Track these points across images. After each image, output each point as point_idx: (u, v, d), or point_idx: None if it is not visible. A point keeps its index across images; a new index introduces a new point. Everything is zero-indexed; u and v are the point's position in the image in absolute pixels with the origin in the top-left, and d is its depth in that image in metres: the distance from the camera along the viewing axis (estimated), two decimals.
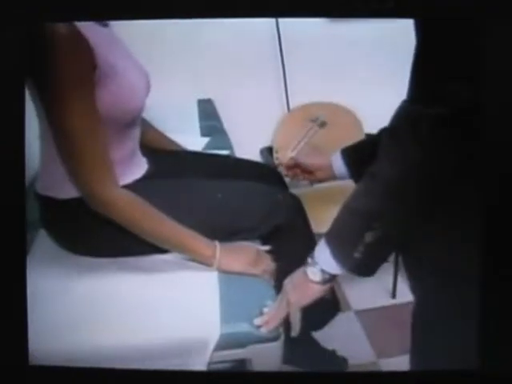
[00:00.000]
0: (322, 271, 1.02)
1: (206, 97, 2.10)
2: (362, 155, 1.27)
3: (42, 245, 1.31)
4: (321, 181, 1.42)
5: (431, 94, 0.84)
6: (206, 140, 1.79)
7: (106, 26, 1.17)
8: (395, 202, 0.91)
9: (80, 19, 1.03)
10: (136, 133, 1.27)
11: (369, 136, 1.51)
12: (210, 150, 1.72)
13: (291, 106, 2.18)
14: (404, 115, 0.91)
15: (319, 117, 1.53)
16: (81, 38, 1.03)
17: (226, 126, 1.98)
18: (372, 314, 2.03)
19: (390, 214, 0.92)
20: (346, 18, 2.03)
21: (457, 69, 0.82)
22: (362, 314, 2.03)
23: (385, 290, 2.10)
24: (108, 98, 1.10)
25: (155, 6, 0.94)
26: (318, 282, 1.04)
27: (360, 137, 2.00)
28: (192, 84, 2.08)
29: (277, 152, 2.07)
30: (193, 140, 1.75)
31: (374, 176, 0.93)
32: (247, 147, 1.94)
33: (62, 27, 1.00)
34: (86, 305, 1.13)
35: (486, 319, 0.90)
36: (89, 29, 1.06)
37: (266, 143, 2.18)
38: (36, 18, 0.95)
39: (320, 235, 1.04)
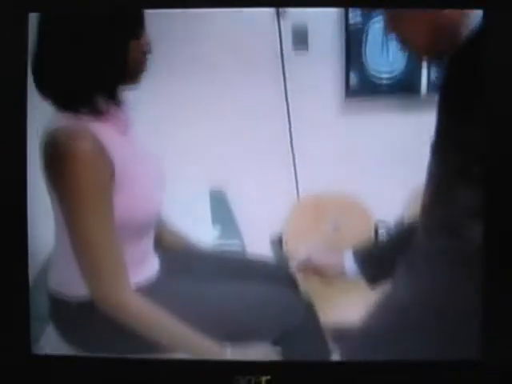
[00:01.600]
0: None
1: (217, 187, 2.13)
2: (374, 258, 1.30)
3: (51, 338, 1.30)
4: (332, 278, 1.42)
5: (447, 229, 0.87)
6: (217, 229, 1.81)
7: (125, 134, 1.21)
8: (408, 323, 0.92)
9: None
10: (150, 234, 1.29)
11: (380, 238, 1.53)
12: (221, 241, 1.73)
13: (301, 195, 2.21)
14: (419, 245, 0.93)
15: (333, 219, 1.56)
16: (101, 150, 1.08)
17: (237, 214, 2.00)
18: None
19: (402, 334, 0.93)
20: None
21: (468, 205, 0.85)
22: None
23: None
24: (124, 205, 1.13)
25: None
26: None
27: (370, 226, 2.02)
28: (204, 174, 2.11)
29: (287, 243, 2.08)
30: (204, 229, 1.76)
31: (389, 297, 0.95)
32: (257, 236, 1.95)
33: (84, 140, 1.06)
34: None
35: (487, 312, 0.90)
36: (109, 138, 1.11)
37: (275, 232, 2.19)
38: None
39: (328, 324, 1.04)
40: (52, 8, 1.10)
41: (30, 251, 1.13)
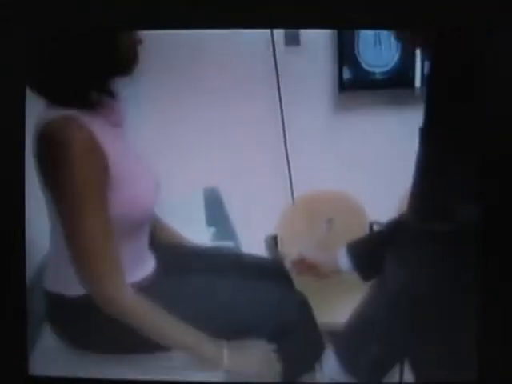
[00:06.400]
0: (330, 379, 1.02)
1: (211, 185, 2.13)
2: (367, 251, 1.30)
3: (47, 339, 1.30)
4: (326, 275, 1.43)
5: (436, 212, 0.87)
6: (211, 230, 1.81)
7: (118, 126, 1.20)
8: (399, 313, 0.93)
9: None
10: (145, 231, 1.28)
11: (373, 232, 1.54)
12: (216, 240, 1.73)
13: (295, 195, 2.21)
14: (405, 230, 0.93)
15: (327, 220, 1.58)
16: (96, 145, 1.07)
17: (231, 213, 2.00)
18: None
19: (394, 326, 0.93)
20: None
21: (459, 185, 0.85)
22: None
23: None
24: (119, 201, 1.13)
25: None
26: None
27: (364, 226, 2.02)
28: (198, 172, 2.11)
29: (282, 241, 2.09)
30: (199, 230, 1.76)
31: (379, 287, 0.95)
32: (252, 236, 1.95)
33: (78, 134, 1.05)
34: None
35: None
36: (101, 130, 1.10)
37: (270, 231, 2.19)
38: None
39: (324, 324, 1.04)
40: (50, 24, 1.10)
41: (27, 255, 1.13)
